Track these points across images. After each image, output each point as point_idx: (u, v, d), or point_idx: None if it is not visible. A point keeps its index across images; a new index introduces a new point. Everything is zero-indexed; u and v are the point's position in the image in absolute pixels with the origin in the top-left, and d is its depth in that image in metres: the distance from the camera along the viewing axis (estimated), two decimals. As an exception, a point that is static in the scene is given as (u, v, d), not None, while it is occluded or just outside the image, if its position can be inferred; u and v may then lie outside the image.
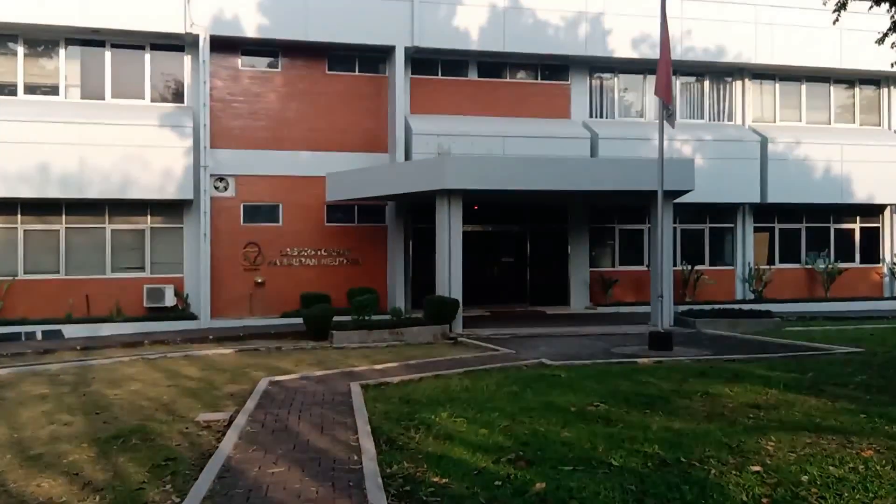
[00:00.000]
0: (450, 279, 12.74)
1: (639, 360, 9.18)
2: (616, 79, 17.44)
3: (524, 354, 9.92)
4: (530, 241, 17.14)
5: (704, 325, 13.23)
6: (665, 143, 16.90)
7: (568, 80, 17.05)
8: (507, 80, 16.78)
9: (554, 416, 5.97)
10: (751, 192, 17.13)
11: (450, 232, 12.79)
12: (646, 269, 17.26)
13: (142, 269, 14.92)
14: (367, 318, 12.42)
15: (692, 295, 17.01)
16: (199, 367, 9.33)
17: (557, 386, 7.33)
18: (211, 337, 12.19)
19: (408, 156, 15.37)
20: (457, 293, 12.71)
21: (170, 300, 14.49)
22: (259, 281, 15.29)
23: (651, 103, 17.61)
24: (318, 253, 15.69)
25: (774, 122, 18.13)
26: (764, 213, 18.02)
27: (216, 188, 15.26)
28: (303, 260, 15.62)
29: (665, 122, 10.41)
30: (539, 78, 16.96)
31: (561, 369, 8.40)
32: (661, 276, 13.36)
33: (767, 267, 17.85)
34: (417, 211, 16.04)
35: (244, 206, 15.44)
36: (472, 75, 16.58)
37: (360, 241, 15.86)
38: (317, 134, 15.73)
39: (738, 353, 9.86)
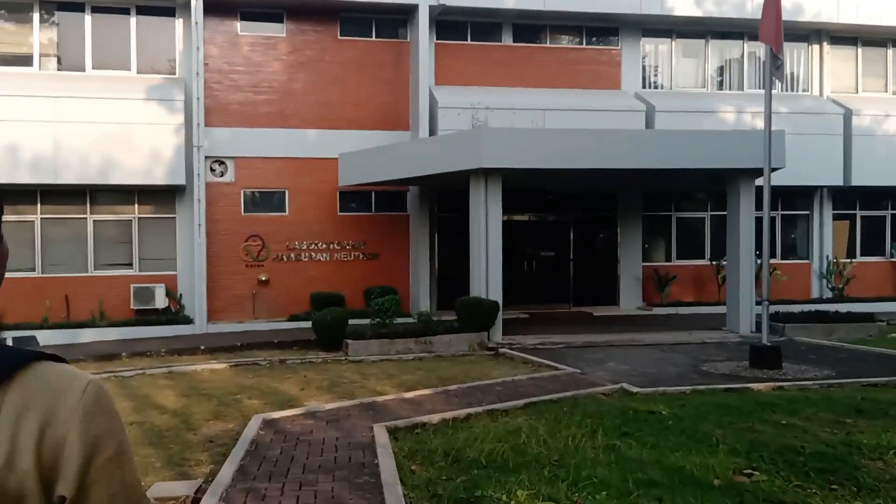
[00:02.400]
0: (487, 276, 10.59)
1: (752, 385, 6.96)
2: (673, 43, 15.09)
3: (593, 375, 7.74)
4: (574, 231, 14.91)
5: (794, 332, 10.95)
6: (733, 115, 14.73)
7: (618, 45, 14.74)
8: (548, 45, 14.52)
9: (697, 497, 3.79)
10: (831, 173, 14.72)
11: (486, 220, 10.62)
12: (708, 263, 14.98)
13: (129, 265, 12.93)
14: (388, 322, 10.33)
15: (761, 293, 14.63)
16: (179, 392, 7.29)
17: (667, 433, 5.15)
18: (203, 347, 10.15)
19: (432, 133, 13.21)
20: (496, 293, 10.56)
21: (161, 301, 12.50)
22: (263, 279, 13.25)
23: (712, 71, 15.26)
24: (331, 246, 13.62)
25: (857, 92, 15.67)
26: (844, 197, 15.60)
27: (212, 172, 13.21)
28: (313, 254, 13.56)
29: (773, 76, 8.11)
30: (584, 43, 14.67)
31: (657, 402, 6.21)
32: (740, 271, 11.10)
33: (848, 260, 15.44)
34: (444, 197, 13.89)
35: (245, 192, 13.39)
36: (507, 40, 14.34)
37: (379, 232, 13.76)
38: (328, 109, 13.62)
39: (868, 374, 7.62)
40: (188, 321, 12.35)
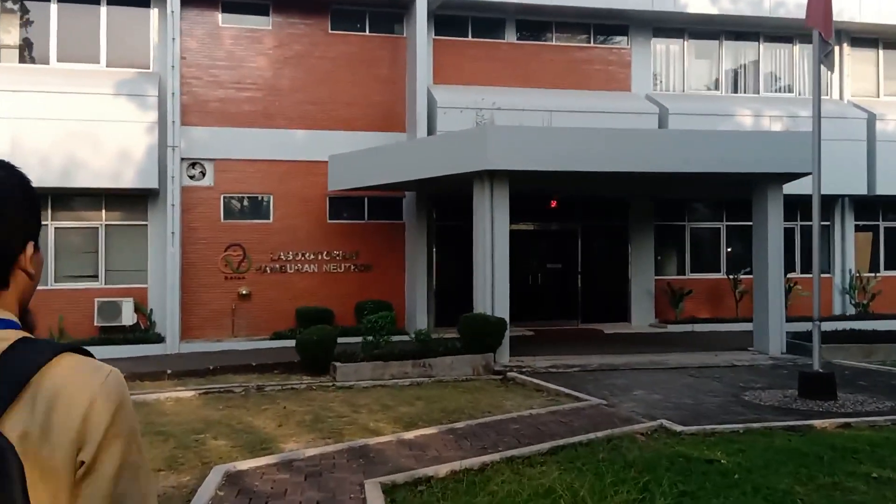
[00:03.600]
0: (493, 291, 9.51)
1: (814, 422, 5.88)
2: (685, 43, 14.20)
3: (622, 407, 6.65)
4: (582, 242, 13.88)
5: (831, 353, 9.89)
6: (750, 119, 13.83)
7: (627, 45, 13.82)
8: (553, 43, 13.58)
9: None
10: (854, 181, 13.81)
11: (492, 228, 9.56)
12: (725, 276, 14.00)
13: (94, 277, 11.72)
14: (382, 341, 9.20)
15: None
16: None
17: (737, 492, 4.06)
18: (170, 371, 8.94)
19: (430, 134, 12.17)
20: (502, 310, 9.47)
21: (128, 318, 11.29)
22: (244, 293, 12.08)
23: (727, 73, 14.38)
24: (319, 257, 12.49)
25: (878, 96, 14.83)
26: (867, 207, 14.71)
27: (189, 175, 12.08)
28: (299, 266, 12.42)
29: (822, 64, 7.14)
30: (592, 41, 13.74)
31: (710, 445, 5.12)
32: (769, 286, 10.10)
33: (871, 274, 14.51)
34: (443, 204, 12.84)
35: (225, 198, 12.26)
36: (510, 37, 13.39)
37: (372, 242, 12.66)
38: (317, 108, 12.57)
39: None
40: (159, 340, 11.14)
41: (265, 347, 11.17)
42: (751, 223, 14.51)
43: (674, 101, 13.46)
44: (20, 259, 0.90)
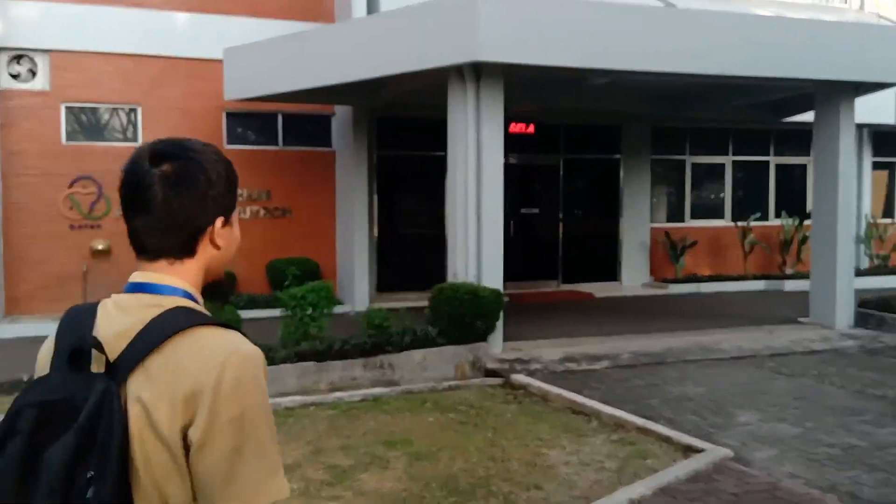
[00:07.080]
0: (479, 250, 6.39)
1: None
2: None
3: (759, 460, 3.84)
4: (564, 180, 10.92)
5: (904, 326, 7.62)
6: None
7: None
8: None
9: None
10: (878, 108, 11.50)
11: (478, 154, 6.36)
12: (731, 224, 11.60)
13: None
14: (313, 326, 5.91)
15: (794, 263, 11.52)
16: None
17: None
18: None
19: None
20: (493, 277, 6.39)
21: None
22: (100, 248, 8.27)
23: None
24: (215, 197, 8.79)
25: (898, 10, 12.58)
26: (886, 142, 12.67)
27: (12, 75, 7.92)
28: (186, 210, 8.69)
29: None
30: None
31: None
32: (838, 238, 7.65)
33: (887, 220, 12.62)
34: (389, 123, 9.39)
35: (68, 109, 8.23)
36: None
37: (289, 176, 9.10)
38: (206, -20, 8.60)
39: None
40: (-41, 322, 7.26)
41: (134, 330, 7.57)
42: (760, 157, 12.24)
43: (682, -1, 10.50)
44: (209, 231, 0.98)
